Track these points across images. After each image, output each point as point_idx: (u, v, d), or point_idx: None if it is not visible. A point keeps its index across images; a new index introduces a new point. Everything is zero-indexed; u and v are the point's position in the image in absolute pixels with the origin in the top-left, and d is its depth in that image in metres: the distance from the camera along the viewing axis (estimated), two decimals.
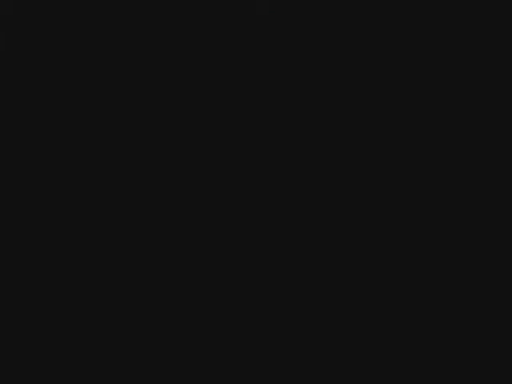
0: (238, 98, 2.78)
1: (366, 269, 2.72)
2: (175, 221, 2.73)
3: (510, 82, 2.75)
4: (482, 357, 2.67)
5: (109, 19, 2.78)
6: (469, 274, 2.72)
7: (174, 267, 2.72)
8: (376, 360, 2.68)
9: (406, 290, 2.71)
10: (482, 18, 2.78)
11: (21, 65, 2.77)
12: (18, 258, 2.70)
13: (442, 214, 2.74)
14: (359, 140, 2.77)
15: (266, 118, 2.77)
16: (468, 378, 2.65)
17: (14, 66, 2.76)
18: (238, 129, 2.76)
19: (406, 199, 2.75)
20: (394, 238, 2.73)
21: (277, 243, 2.73)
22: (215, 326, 2.70)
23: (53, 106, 2.76)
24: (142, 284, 2.71)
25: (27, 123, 2.76)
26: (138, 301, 2.70)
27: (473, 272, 2.72)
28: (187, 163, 2.75)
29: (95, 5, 2.78)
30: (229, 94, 2.78)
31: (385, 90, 2.78)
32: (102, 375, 2.65)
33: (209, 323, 2.69)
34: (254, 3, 2.74)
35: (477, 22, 2.78)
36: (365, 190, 2.75)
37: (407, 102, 2.78)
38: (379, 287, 2.72)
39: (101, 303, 2.70)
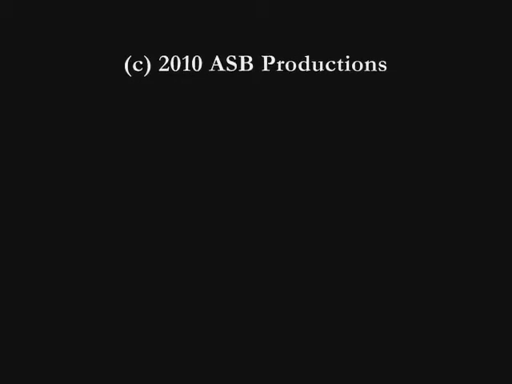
0: (237, 100, 2.70)
1: (365, 269, 2.68)
2: (175, 220, 2.69)
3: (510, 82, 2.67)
4: (482, 357, 2.65)
5: (109, 20, 2.69)
6: (469, 274, 2.68)
7: (174, 267, 2.69)
8: (376, 360, 2.66)
9: (406, 289, 2.68)
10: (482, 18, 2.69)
11: (21, 66, 2.69)
12: (18, 258, 2.68)
13: (441, 213, 2.69)
14: (358, 141, 2.69)
15: (265, 121, 2.70)
16: (468, 378, 2.65)
17: (14, 67, 2.69)
18: (237, 130, 2.69)
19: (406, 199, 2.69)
20: (394, 237, 2.69)
21: (276, 243, 2.70)
22: (215, 326, 2.68)
23: (53, 106, 2.69)
24: (141, 284, 2.69)
25: (27, 124, 2.69)
26: (138, 301, 2.68)
27: (473, 272, 2.68)
28: (186, 163, 2.69)
29: (95, 6, 2.69)
30: (228, 95, 2.70)
31: (385, 89, 2.69)
32: (101, 375, 2.66)
33: (209, 323, 2.68)
34: (254, 5, 2.67)
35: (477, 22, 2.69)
36: (364, 190, 2.69)
37: (406, 104, 2.70)
38: (379, 287, 2.68)
39: (101, 303, 2.68)
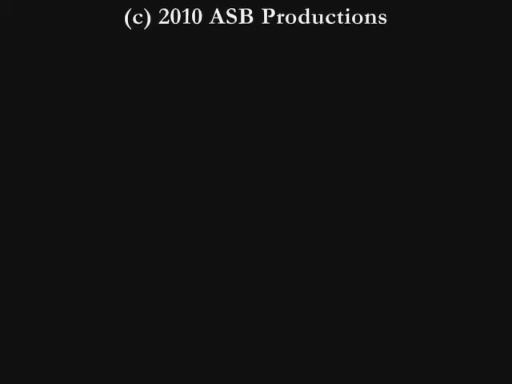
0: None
1: (365, 269, 2.68)
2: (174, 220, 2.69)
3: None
4: (482, 357, 2.64)
5: (109, 19, 2.68)
6: (469, 274, 2.67)
7: (174, 267, 2.69)
8: (376, 360, 2.66)
9: (406, 290, 2.68)
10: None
11: (21, 64, 2.69)
12: (18, 258, 2.68)
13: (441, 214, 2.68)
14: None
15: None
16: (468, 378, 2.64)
17: (14, 65, 2.69)
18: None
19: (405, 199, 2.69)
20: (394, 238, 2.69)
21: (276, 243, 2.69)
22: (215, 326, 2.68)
23: (53, 106, 2.68)
24: (141, 284, 2.69)
25: (27, 123, 2.68)
26: (138, 301, 2.68)
27: (473, 272, 2.67)
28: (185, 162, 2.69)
29: (95, 5, 2.68)
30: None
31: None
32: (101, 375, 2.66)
33: (209, 323, 2.68)
34: None
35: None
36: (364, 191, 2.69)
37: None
38: (379, 287, 2.68)
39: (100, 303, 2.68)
